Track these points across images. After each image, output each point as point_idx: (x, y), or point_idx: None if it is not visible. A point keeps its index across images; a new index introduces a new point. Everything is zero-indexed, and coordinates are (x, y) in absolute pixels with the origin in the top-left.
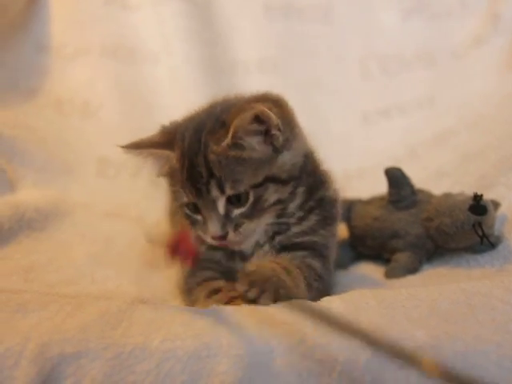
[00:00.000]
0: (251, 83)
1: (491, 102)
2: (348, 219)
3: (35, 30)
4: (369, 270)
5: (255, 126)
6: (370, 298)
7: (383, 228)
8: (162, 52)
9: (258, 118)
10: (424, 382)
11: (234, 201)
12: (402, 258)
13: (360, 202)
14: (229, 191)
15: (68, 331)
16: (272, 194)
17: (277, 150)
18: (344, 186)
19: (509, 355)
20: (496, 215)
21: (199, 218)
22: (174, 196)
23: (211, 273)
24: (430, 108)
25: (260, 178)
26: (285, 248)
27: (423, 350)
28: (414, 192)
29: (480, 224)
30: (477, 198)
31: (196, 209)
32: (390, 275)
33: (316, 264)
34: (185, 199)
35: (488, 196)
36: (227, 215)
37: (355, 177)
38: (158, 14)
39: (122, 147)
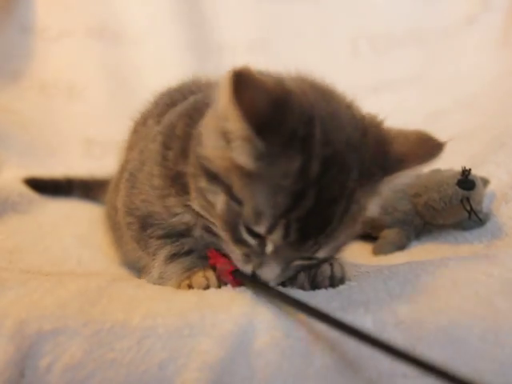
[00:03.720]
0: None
1: (483, 80)
2: None
3: (19, 11)
4: (358, 247)
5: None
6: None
7: None
8: (147, 33)
9: None
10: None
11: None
12: (390, 234)
13: None
14: (321, 254)
15: (46, 308)
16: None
17: None
18: None
19: (492, 329)
20: (485, 192)
21: (254, 244)
22: (222, 195)
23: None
24: (420, 86)
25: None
26: None
27: (406, 324)
28: None
29: (468, 199)
30: (465, 172)
31: (255, 234)
32: (377, 252)
33: None
34: (260, 229)
35: (478, 174)
36: (286, 267)
37: None
38: None
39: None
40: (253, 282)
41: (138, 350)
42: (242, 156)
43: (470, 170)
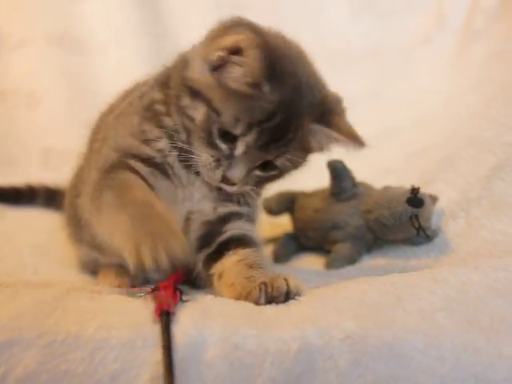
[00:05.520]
0: None
1: (437, 99)
2: (291, 211)
3: None
4: (310, 261)
5: (339, 143)
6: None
7: (324, 219)
8: (109, 42)
9: None
10: (352, 370)
11: (264, 163)
12: (342, 248)
13: (303, 194)
14: (278, 162)
15: (0, 319)
16: (286, 174)
17: None
18: (290, 176)
19: (434, 343)
20: (433, 209)
21: (225, 148)
22: (203, 106)
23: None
24: (376, 102)
25: (302, 162)
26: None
27: (351, 339)
28: (354, 184)
29: (417, 216)
30: (414, 190)
31: (228, 139)
32: (330, 266)
33: (255, 235)
34: (237, 131)
35: (428, 191)
36: (250, 171)
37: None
38: (105, 5)
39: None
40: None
41: (90, 361)
42: (239, 83)
43: (418, 188)
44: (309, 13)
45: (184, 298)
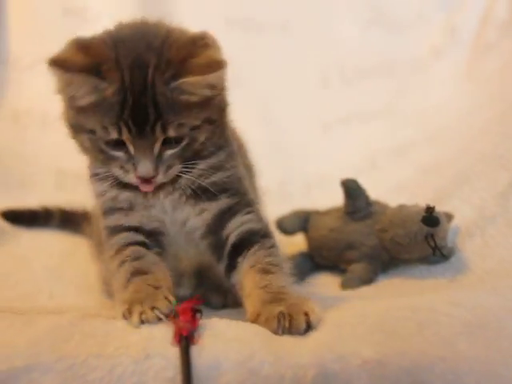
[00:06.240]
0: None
1: (449, 114)
2: (306, 230)
3: None
4: (325, 280)
5: (208, 81)
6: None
7: (339, 239)
8: None
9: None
10: None
11: (167, 141)
12: (357, 268)
13: (317, 213)
14: (172, 133)
15: (18, 346)
16: (203, 135)
17: (218, 94)
18: (304, 195)
19: (452, 368)
20: (449, 227)
21: (121, 155)
22: (84, 135)
23: (125, 237)
24: (389, 118)
25: (199, 121)
26: (196, 194)
27: (369, 365)
28: (369, 203)
29: (432, 235)
30: (429, 209)
31: (118, 146)
32: (345, 286)
33: (256, 224)
34: (113, 135)
35: (442, 209)
36: (160, 156)
37: (315, 186)
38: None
39: (49, 62)
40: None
41: (110, 379)
42: (82, 99)
43: (434, 207)
44: (320, 28)
45: (201, 321)
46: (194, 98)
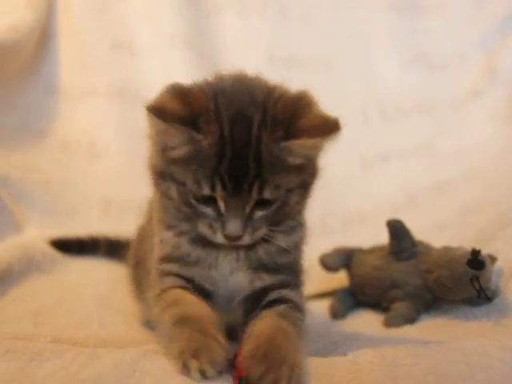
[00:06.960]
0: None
1: (488, 153)
2: (349, 267)
3: (44, 73)
4: (368, 318)
5: (320, 144)
6: (372, 356)
7: (382, 277)
8: None
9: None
10: None
11: (259, 202)
12: (400, 307)
13: (361, 250)
14: (267, 195)
15: (83, 381)
16: (294, 198)
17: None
18: (344, 230)
19: None
20: (492, 269)
21: (210, 212)
22: (172, 185)
23: (173, 279)
24: (428, 156)
25: (294, 184)
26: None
27: None
28: (414, 244)
29: (477, 278)
30: (475, 253)
31: (207, 202)
32: (388, 324)
33: (294, 297)
34: (205, 191)
35: (485, 250)
36: (250, 216)
37: (355, 221)
38: (164, 61)
39: (147, 108)
40: None
41: None
42: (176, 150)
43: (479, 250)
44: (360, 66)
45: None
46: (298, 160)
